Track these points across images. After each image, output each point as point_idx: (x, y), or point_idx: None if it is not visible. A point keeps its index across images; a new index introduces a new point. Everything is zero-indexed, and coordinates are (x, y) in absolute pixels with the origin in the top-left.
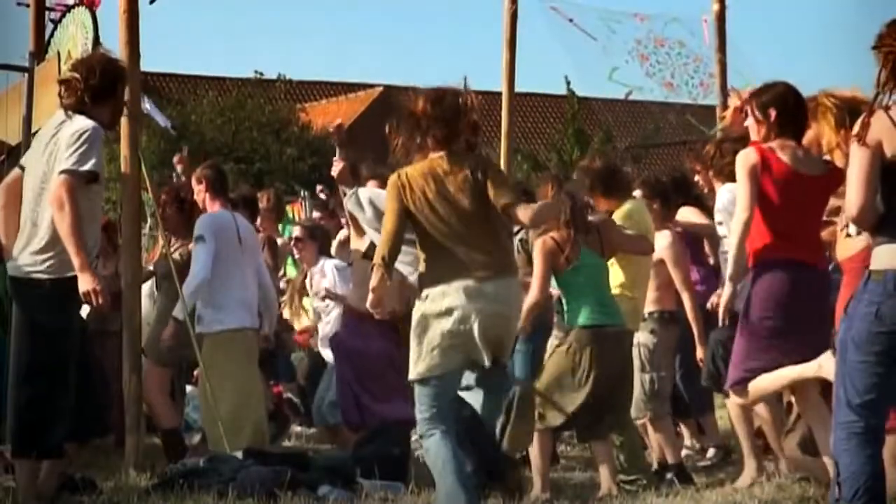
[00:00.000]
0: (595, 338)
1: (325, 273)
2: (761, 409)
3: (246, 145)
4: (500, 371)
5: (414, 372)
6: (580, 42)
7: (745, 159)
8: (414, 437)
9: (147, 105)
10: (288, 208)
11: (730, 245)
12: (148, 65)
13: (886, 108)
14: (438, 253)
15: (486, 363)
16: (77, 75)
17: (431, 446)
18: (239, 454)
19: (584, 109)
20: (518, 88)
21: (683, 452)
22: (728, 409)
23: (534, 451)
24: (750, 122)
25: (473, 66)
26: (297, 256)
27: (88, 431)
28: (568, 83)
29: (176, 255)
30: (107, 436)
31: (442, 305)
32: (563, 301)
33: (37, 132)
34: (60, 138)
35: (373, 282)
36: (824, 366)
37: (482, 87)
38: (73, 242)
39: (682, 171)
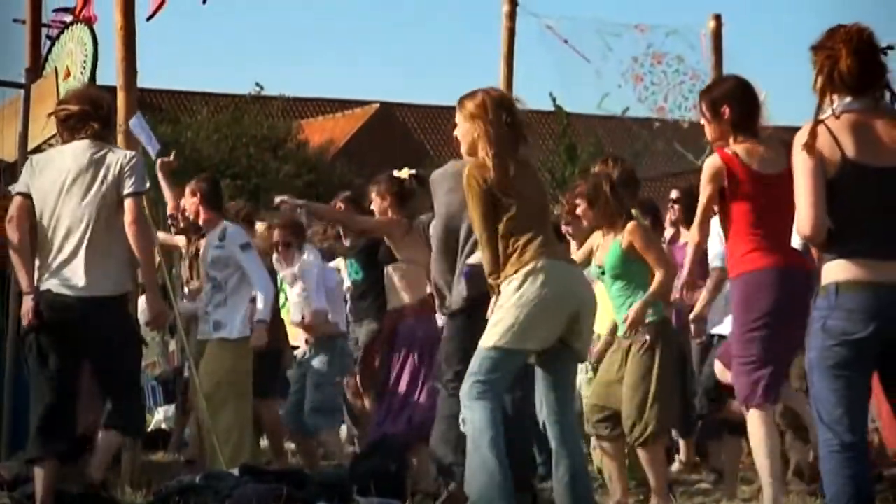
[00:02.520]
0: (669, 330)
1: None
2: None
3: (243, 161)
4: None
5: (502, 339)
6: (573, 62)
7: (709, 166)
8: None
9: (135, 122)
10: None
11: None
12: (144, 81)
13: (824, 121)
14: (530, 234)
15: (573, 351)
16: (87, 107)
17: (481, 415)
18: (235, 471)
19: (575, 125)
20: None
21: (675, 467)
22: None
23: (650, 468)
24: (704, 123)
25: (470, 83)
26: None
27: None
28: (553, 99)
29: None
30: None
31: (543, 283)
32: (622, 296)
33: (36, 149)
34: (111, 164)
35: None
36: None
37: None
38: (152, 264)
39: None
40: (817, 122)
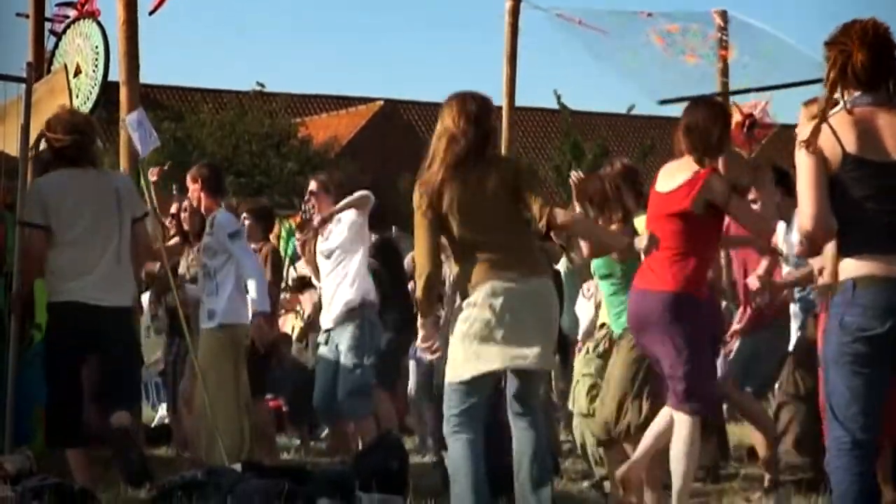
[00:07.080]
0: None
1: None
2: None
3: (246, 159)
4: (534, 387)
5: (456, 374)
6: (591, 43)
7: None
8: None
9: (132, 118)
10: (288, 222)
11: None
12: (146, 76)
13: (827, 119)
14: (473, 256)
15: (524, 363)
16: (77, 137)
17: (456, 449)
18: (237, 466)
19: (580, 123)
20: (519, 103)
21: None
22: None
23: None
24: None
25: (474, 81)
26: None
27: None
28: (558, 97)
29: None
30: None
31: (484, 308)
32: (615, 295)
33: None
34: (119, 188)
35: (420, 318)
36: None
37: None
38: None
39: None
40: (822, 119)
